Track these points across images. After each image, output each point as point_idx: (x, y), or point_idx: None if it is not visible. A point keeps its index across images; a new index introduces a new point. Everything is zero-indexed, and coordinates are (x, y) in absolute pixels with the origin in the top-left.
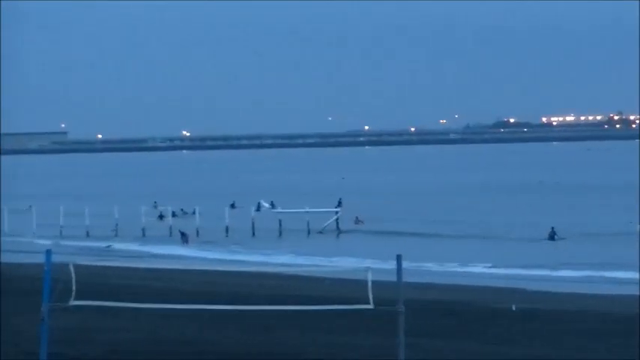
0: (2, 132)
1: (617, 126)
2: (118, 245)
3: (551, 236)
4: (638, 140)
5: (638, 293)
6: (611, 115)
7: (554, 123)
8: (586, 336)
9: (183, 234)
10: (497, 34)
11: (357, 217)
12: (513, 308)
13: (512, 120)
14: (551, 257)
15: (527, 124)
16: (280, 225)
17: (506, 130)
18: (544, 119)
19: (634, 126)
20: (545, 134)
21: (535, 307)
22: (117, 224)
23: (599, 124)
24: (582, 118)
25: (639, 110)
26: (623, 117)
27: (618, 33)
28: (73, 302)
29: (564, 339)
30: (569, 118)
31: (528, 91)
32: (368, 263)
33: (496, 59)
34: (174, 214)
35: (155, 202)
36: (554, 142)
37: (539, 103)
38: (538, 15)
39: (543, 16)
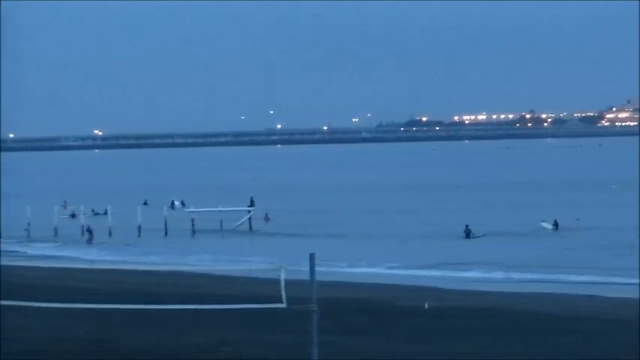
0: None
1: (529, 124)
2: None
3: (467, 234)
4: (550, 139)
5: (549, 291)
6: (523, 113)
7: (467, 121)
8: (496, 333)
9: (89, 231)
10: (410, 32)
11: (266, 214)
12: (426, 306)
13: (424, 118)
14: (464, 256)
15: (439, 123)
16: (193, 224)
17: (419, 128)
18: (456, 118)
19: (546, 124)
20: (457, 132)
21: (447, 305)
22: (29, 223)
23: (512, 122)
24: (494, 116)
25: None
26: (535, 115)
27: (529, 32)
28: None
29: (475, 336)
30: (482, 117)
31: (441, 90)
32: (281, 262)
33: (408, 58)
34: (84, 214)
35: (65, 202)
36: (466, 141)
37: (452, 101)
38: (451, 14)
39: (456, 16)
